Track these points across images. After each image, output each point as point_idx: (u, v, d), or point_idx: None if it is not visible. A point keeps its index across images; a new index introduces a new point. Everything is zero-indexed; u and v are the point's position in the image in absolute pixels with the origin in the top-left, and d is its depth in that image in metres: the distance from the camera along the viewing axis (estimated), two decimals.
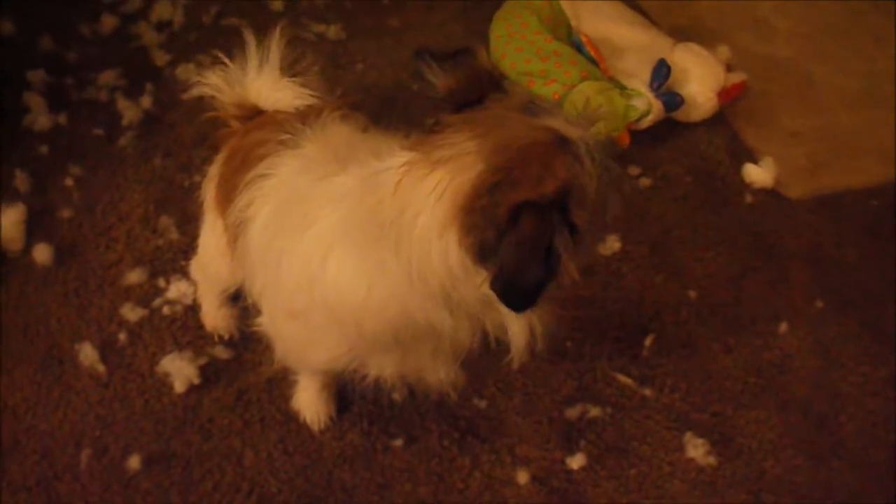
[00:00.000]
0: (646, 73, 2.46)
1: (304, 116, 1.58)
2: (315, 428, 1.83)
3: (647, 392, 1.96)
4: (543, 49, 2.47)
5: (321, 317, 1.39)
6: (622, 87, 2.43)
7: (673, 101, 2.45)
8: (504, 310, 1.24)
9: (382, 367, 1.50)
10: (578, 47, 2.54)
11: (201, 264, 1.92)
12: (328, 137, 1.51)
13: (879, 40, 2.89)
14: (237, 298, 1.86)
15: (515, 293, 1.19)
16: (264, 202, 1.48)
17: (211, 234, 1.78)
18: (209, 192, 1.75)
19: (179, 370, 1.87)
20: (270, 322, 1.60)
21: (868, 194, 2.46)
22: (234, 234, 1.56)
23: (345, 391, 1.87)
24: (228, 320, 1.94)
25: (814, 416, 1.97)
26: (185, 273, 2.03)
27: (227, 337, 1.95)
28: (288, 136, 1.52)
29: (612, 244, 2.20)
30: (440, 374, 1.50)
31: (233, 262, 1.65)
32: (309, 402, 1.82)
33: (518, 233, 1.16)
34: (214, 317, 1.95)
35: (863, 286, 2.22)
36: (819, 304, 2.17)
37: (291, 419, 1.85)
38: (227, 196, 1.58)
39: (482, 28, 2.66)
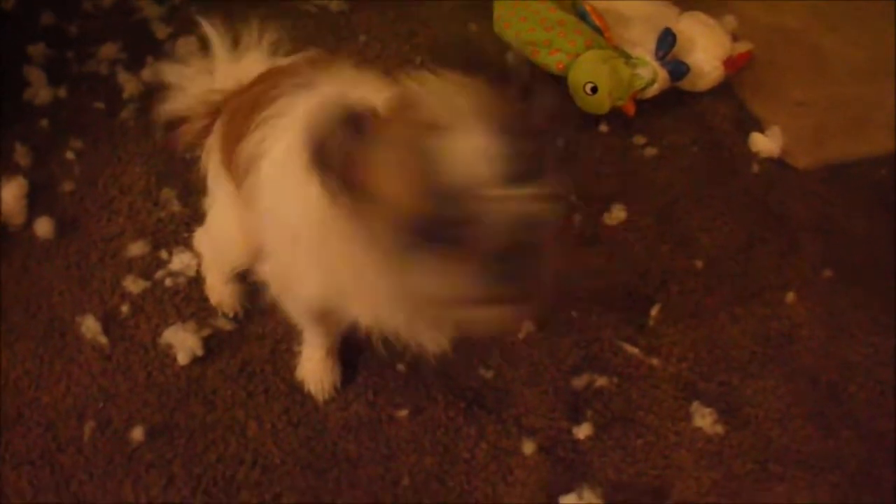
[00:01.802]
0: (651, 42, 2.43)
1: (316, 64, 1.54)
2: (319, 398, 1.82)
3: (654, 361, 1.95)
4: (547, 18, 2.45)
5: (301, 244, 1.36)
6: (627, 57, 2.41)
7: (678, 69, 2.42)
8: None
9: (360, 315, 1.44)
10: (583, 16, 2.51)
11: (210, 237, 1.89)
12: (344, 78, 1.47)
13: (887, 11, 2.85)
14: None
15: None
16: (278, 139, 1.43)
17: (221, 206, 1.75)
18: (213, 159, 1.73)
19: (182, 342, 1.86)
20: (273, 258, 1.56)
21: (876, 164, 2.43)
22: (245, 172, 1.50)
23: (350, 362, 1.86)
24: (234, 297, 1.92)
25: (822, 386, 1.96)
26: (187, 245, 2.01)
27: (231, 315, 1.93)
28: (302, 80, 1.47)
29: (618, 213, 2.19)
30: (418, 334, 1.45)
31: (242, 210, 1.59)
32: (313, 372, 1.81)
33: None
34: (221, 292, 1.93)
35: (871, 255, 2.20)
36: (827, 273, 2.15)
37: (296, 390, 1.83)
38: (235, 147, 1.53)
39: None
